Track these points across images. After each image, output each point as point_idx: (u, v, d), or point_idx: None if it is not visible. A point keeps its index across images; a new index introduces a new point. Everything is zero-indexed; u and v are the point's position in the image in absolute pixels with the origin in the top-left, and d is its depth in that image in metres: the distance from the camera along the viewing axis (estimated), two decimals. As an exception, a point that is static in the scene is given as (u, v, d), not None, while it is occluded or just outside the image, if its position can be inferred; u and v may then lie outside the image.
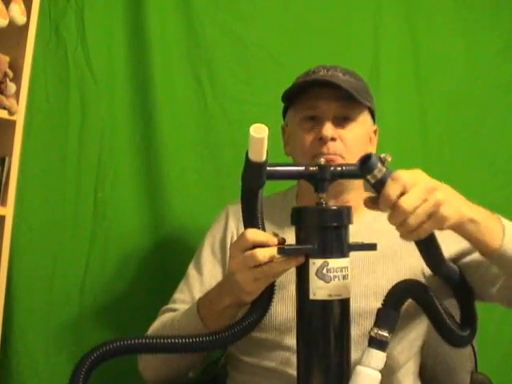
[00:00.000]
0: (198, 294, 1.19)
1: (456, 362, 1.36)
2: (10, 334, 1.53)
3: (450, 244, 1.06)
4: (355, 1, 1.87)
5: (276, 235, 0.94)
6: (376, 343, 0.91)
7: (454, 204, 0.86)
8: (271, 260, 0.91)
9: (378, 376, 0.89)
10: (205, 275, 1.22)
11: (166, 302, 1.25)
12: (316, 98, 1.17)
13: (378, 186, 0.83)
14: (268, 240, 0.92)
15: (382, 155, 0.85)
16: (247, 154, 0.88)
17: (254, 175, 0.90)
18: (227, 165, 1.70)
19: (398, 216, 0.82)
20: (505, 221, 0.95)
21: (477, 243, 0.93)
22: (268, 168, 0.90)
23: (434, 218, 0.83)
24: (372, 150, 1.26)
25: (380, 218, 1.19)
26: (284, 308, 1.07)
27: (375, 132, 1.27)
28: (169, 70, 1.70)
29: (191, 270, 1.26)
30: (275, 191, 1.32)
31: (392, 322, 0.93)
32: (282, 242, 0.93)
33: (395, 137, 1.85)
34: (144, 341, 0.92)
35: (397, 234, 1.14)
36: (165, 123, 1.68)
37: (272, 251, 0.91)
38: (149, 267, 1.66)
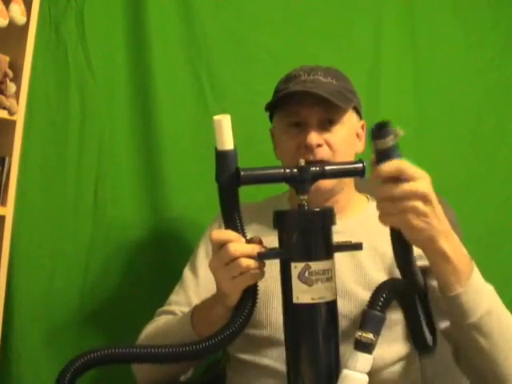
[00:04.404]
0: (193, 296, 1.20)
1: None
2: (10, 333, 1.53)
3: None
4: (355, 1, 1.87)
5: (252, 238, 0.93)
6: (361, 346, 0.90)
7: (432, 225, 0.87)
8: (244, 255, 0.90)
9: (365, 379, 0.89)
10: (200, 277, 1.22)
11: (164, 303, 1.26)
12: (299, 104, 1.16)
13: (381, 155, 0.85)
14: (230, 238, 0.91)
15: (398, 128, 0.86)
16: (216, 148, 0.88)
17: (220, 166, 0.89)
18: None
19: (376, 193, 0.86)
20: (476, 273, 0.96)
21: (440, 279, 0.94)
22: (247, 172, 0.89)
23: (400, 217, 0.85)
24: (360, 145, 1.25)
25: (372, 216, 1.20)
26: (279, 304, 1.06)
27: (363, 127, 1.26)
28: (169, 69, 1.70)
29: (187, 273, 1.26)
30: (270, 195, 1.33)
31: (377, 324, 0.92)
32: (257, 241, 0.93)
33: (395, 137, 1.86)
34: (112, 351, 0.91)
35: (385, 234, 1.16)
36: (165, 123, 1.68)
37: (244, 247, 0.91)
38: (149, 267, 1.66)
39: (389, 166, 0.85)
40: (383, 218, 0.87)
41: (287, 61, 1.73)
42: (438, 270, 0.93)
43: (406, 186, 0.84)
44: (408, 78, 1.89)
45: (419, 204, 0.85)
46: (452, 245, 0.90)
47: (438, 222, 0.88)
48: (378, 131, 0.84)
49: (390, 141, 0.84)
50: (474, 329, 0.94)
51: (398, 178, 0.84)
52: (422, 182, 0.85)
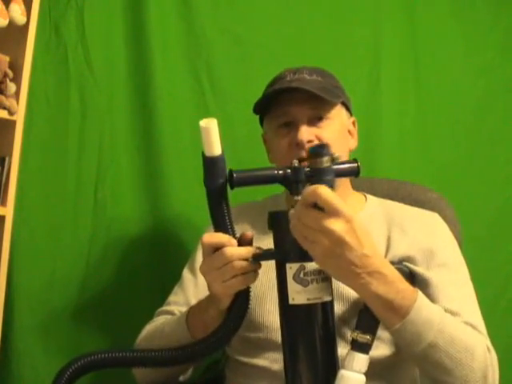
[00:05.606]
0: (192, 297, 1.20)
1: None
2: (10, 333, 1.53)
3: (416, 260, 1.10)
4: (355, 1, 1.87)
5: (241, 234, 0.92)
6: (358, 346, 0.90)
7: (344, 268, 0.83)
8: (239, 259, 0.90)
9: (362, 379, 0.89)
10: (199, 278, 1.21)
11: (162, 302, 1.26)
12: (287, 103, 1.17)
13: (314, 174, 0.86)
14: (222, 241, 0.91)
15: (336, 154, 0.88)
16: (203, 152, 0.87)
17: (209, 172, 0.88)
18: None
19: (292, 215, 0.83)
20: (421, 304, 0.91)
21: (376, 314, 0.91)
22: (239, 174, 0.89)
23: (309, 245, 0.82)
24: (353, 142, 1.26)
25: (370, 215, 1.20)
26: (274, 306, 1.07)
27: (354, 124, 1.27)
28: (169, 69, 1.70)
29: (186, 273, 1.27)
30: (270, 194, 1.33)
31: (373, 325, 0.92)
32: (249, 240, 0.92)
33: (395, 137, 1.86)
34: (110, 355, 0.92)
35: (382, 234, 1.15)
36: (165, 123, 1.68)
37: (239, 250, 0.90)
38: (149, 267, 1.66)
39: (309, 189, 0.81)
40: (292, 228, 0.83)
41: (287, 61, 1.74)
42: (370, 306, 0.90)
43: (319, 220, 0.80)
44: (408, 79, 1.89)
45: (326, 242, 0.80)
46: (380, 283, 0.86)
47: (360, 263, 0.83)
48: (317, 148, 0.85)
49: (324, 161, 0.85)
50: (422, 358, 0.92)
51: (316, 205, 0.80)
52: (337, 222, 0.80)
